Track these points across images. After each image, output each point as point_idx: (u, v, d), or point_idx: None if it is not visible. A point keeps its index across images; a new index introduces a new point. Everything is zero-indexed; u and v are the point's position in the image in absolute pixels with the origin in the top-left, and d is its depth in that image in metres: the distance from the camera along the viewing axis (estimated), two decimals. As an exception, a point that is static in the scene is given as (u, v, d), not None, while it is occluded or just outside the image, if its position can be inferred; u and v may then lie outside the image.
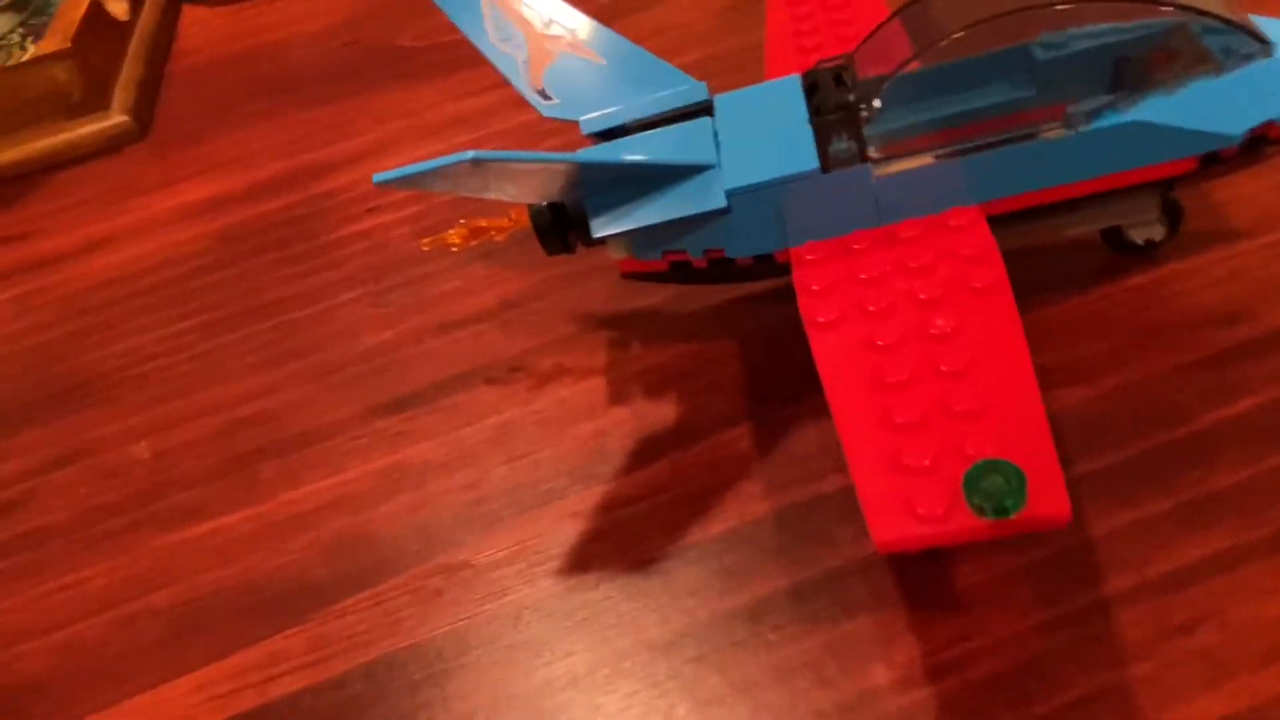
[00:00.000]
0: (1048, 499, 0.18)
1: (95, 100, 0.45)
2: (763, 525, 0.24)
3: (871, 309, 0.22)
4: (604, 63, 0.28)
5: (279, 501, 0.28)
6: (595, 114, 0.27)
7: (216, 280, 0.36)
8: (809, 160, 0.24)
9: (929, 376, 0.20)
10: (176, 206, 0.40)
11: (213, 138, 0.44)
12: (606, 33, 0.29)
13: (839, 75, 0.25)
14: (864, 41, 0.26)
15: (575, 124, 0.27)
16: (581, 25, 0.29)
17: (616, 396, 0.28)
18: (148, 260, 0.38)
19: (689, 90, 0.27)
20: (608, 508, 0.25)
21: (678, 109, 0.27)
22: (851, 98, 0.24)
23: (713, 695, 0.21)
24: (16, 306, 0.37)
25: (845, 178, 0.24)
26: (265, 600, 0.25)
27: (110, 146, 0.45)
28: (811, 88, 0.25)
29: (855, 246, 0.24)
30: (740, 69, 0.37)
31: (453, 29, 0.32)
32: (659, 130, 0.26)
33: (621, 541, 0.24)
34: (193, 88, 0.48)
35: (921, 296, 0.22)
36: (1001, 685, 0.20)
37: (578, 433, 0.27)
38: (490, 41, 0.29)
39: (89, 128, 0.45)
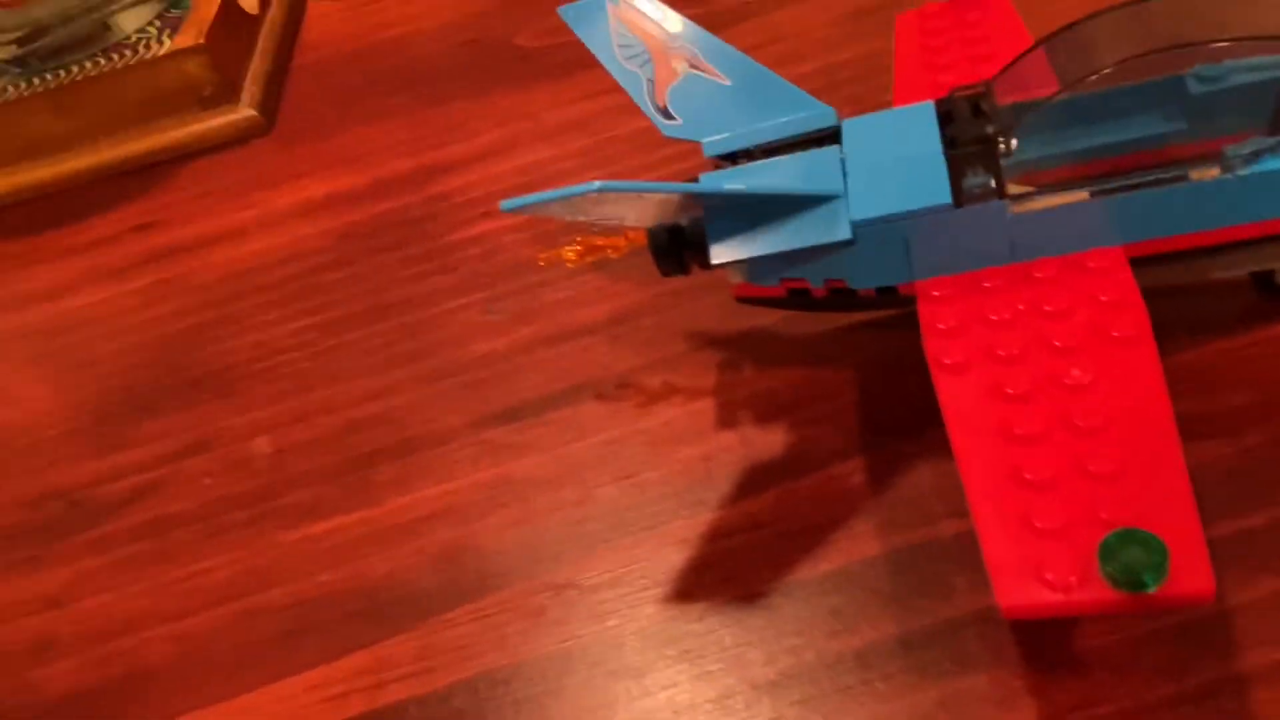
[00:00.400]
0: (1190, 575, 0.17)
1: (225, 94, 0.46)
2: (873, 566, 0.23)
3: (1002, 354, 0.22)
4: (729, 83, 0.28)
5: (390, 507, 0.28)
6: (718, 136, 0.27)
7: (338, 278, 0.37)
8: (941, 194, 0.23)
9: (1063, 431, 0.20)
10: (300, 201, 0.42)
11: (335, 133, 0.45)
12: (732, 52, 0.28)
13: (976, 104, 0.24)
14: (1004, 70, 0.25)
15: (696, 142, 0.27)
16: (707, 44, 0.28)
17: (725, 420, 0.27)
18: (273, 254, 0.39)
19: (816, 115, 0.26)
20: (713, 536, 0.25)
21: (804, 134, 0.26)
22: (990, 129, 0.24)
23: (816, 740, 0.21)
24: (149, 294, 0.39)
25: (979, 213, 0.23)
26: (375, 605, 0.26)
27: (238, 139, 0.46)
28: (946, 116, 0.25)
29: (986, 284, 0.23)
30: (862, 79, 0.37)
31: (571, 31, 0.32)
32: (784, 156, 0.26)
33: (727, 573, 0.24)
34: (316, 82, 0.50)
35: (1056, 344, 0.21)
36: (1123, 758, 0.19)
37: (684, 456, 0.27)
38: (615, 58, 0.29)
39: (218, 120, 0.46)
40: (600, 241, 0.27)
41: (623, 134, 0.40)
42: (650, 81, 0.28)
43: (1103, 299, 0.22)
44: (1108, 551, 0.17)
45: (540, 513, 0.27)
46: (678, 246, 0.26)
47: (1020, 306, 0.23)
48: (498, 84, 0.45)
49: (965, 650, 0.21)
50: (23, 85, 0.46)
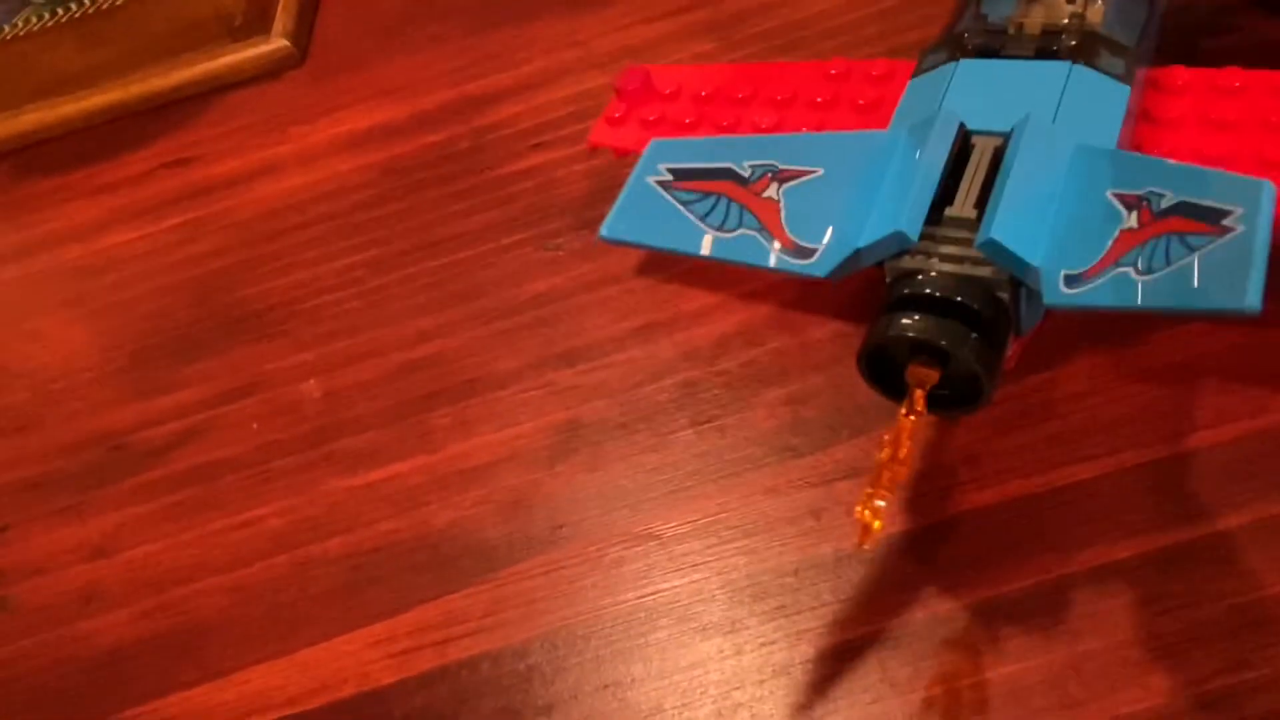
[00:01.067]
0: None
1: (256, 24, 0.44)
2: (983, 514, 0.22)
3: None
4: (822, 171, 0.23)
5: (451, 452, 0.27)
6: (876, 228, 0.21)
7: (382, 214, 0.35)
8: None
9: None
10: (339, 135, 0.39)
11: (372, 64, 0.43)
12: (794, 139, 0.24)
13: None
14: None
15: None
16: (771, 146, 0.24)
17: (810, 361, 0.26)
18: (313, 190, 0.37)
19: (940, 125, 0.22)
20: (804, 484, 0.23)
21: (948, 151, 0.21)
22: None
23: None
24: (184, 233, 0.37)
25: None
26: (440, 557, 0.25)
27: (271, 71, 0.44)
28: None
29: None
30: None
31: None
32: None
33: (821, 524, 0.23)
34: (350, 12, 0.47)
35: None
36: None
37: (768, 399, 0.25)
38: (703, 235, 0.23)
39: (250, 52, 0.44)
40: (886, 478, 0.19)
41: (682, 58, 0.37)
42: (763, 230, 0.22)
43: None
44: None
45: (613, 459, 0.25)
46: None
47: None
48: (543, 11, 0.42)
49: (1081, 611, 0.20)
50: (46, 16, 0.44)
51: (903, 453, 0.19)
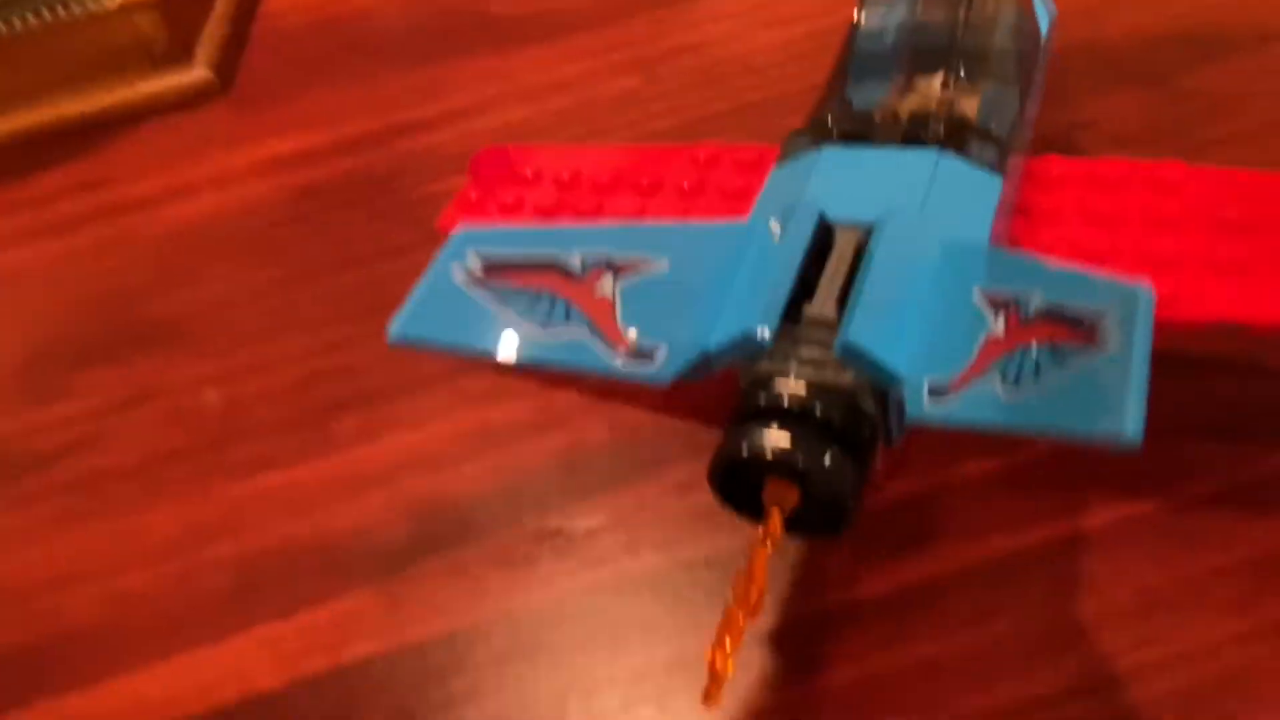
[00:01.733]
0: None
1: (178, 54, 0.44)
2: (890, 504, 0.21)
3: None
4: (667, 264, 0.20)
5: (354, 456, 0.26)
6: (730, 326, 0.19)
7: (297, 232, 0.34)
8: None
9: None
10: (258, 160, 0.39)
11: (296, 97, 0.43)
12: (635, 227, 0.22)
13: None
14: None
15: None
16: (611, 235, 0.21)
17: (726, 365, 0.25)
18: (227, 210, 0.36)
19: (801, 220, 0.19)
20: (718, 480, 0.23)
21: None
22: None
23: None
24: (91, 250, 0.36)
25: None
26: (338, 559, 0.23)
27: (191, 101, 0.43)
28: None
29: None
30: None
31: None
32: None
33: (732, 520, 0.22)
34: (276, 49, 0.47)
35: None
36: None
37: (685, 398, 0.25)
38: (529, 335, 0.20)
39: (171, 80, 0.43)
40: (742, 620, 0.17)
41: (604, 96, 0.38)
42: (594, 329, 0.20)
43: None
44: None
45: (524, 458, 0.25)
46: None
47: None
48: (471, 49, 0.43)
49: (992, 595, 0.19)
50: (-41, 38, 0.43)
51: (755, 593, 0.17)
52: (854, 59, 0.23)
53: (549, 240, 0.21)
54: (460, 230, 0.21)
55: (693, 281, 0.20)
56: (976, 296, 0.18)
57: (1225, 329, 0.19)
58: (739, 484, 0.18)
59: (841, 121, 0.21)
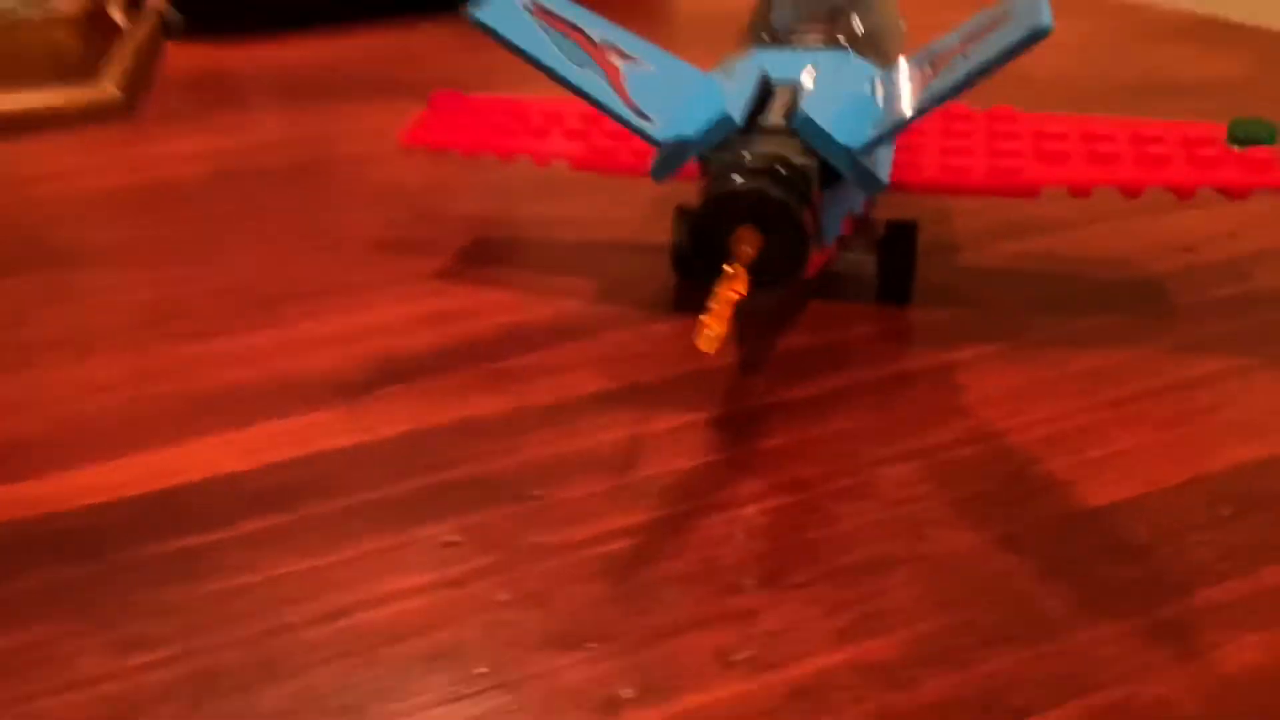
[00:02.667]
0: None
1: (88, 71, 0.46)
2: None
3: None
4: (655, 69, 0.25)
5: (302, 330, 0.27)
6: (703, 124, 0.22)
7: (215, 195, 0.36)
8: None
9: None
10: (167, 153, 0.41)
11: (204, 117, 0.45)
12: (634, 37, 0.26)
13: None
14: None
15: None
16: (616, 32, 0.25)
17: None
18: (141, 183, 0.38)
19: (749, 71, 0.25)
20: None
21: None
22: None
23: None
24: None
25: None
26: (297, 390, 0.24)
27: (98, 115, 0.45)
28: None
29: None
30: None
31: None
32: None
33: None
34: (182, 88, 0.50)
35: None
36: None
37: (614, 288, 0.28)
38: (560, 58, 0.23)
39: (78, 94, 0.45)
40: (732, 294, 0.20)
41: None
42: (609, 82, 0.23)
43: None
44: None
45: (473, 330, 0.27)
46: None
47: None
48: (391, 94, 0.47)
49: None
50: None
51: (723, 305, 0.20)
52: (773, 9, 0.29)
53: (575, 13, 0.24)
54: None
55: (672, 89, 0.24)
56: (902, 80, 0.23)
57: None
58: (705, 251, 0.22)
59: (768, 37, 0.27)
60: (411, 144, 0.30)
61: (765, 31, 0.27)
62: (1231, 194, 0.25)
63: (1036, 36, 0.19)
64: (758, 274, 0.21)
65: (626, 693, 0.16)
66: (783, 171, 0.21)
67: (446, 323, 0.27)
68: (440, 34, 0.56)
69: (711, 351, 0.19)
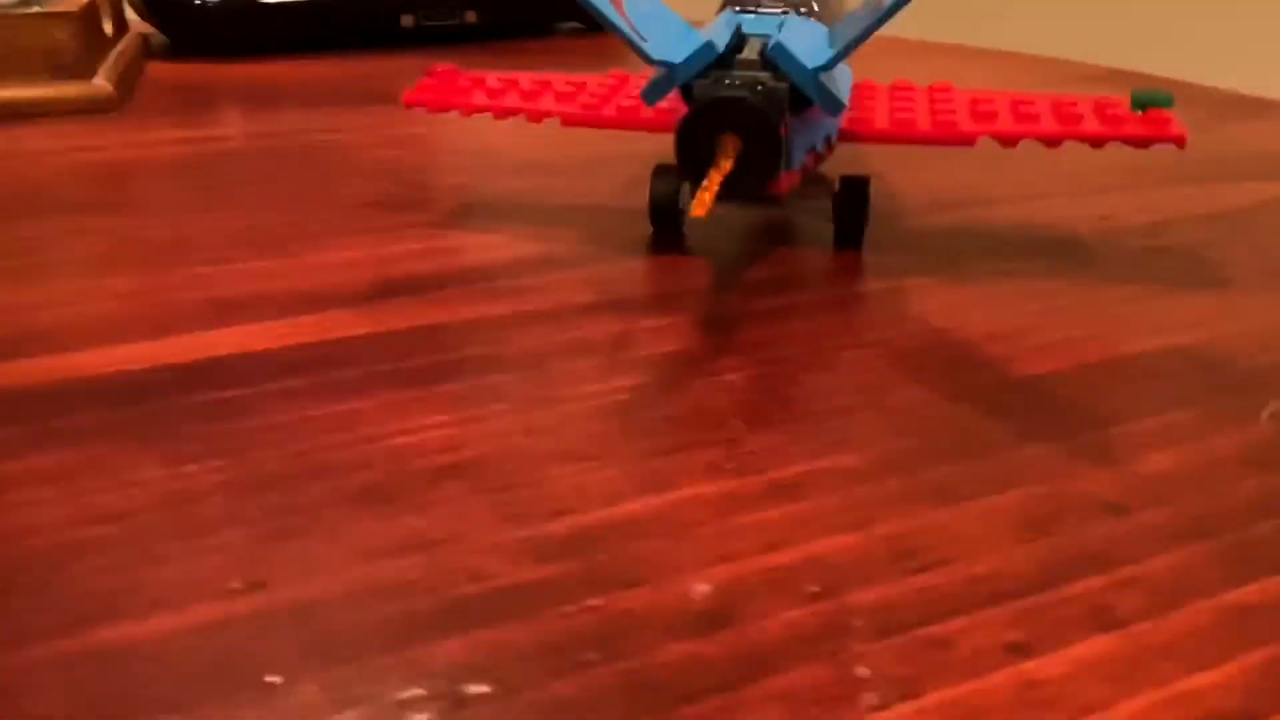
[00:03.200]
0: None
1: (82, 68, 0.48)
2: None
3: None
4: (648, 8, 0.27)
5: (313, 261, 0.29)
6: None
7: (215, 168, 0.39)
8: None
9: None
10: (165, 137, 0.43)
11: (199, 114, 0.48)
12: None
13: None
14: None
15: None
16: None
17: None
18: (138, 159, 0.40)
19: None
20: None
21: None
22: None
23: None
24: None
25: None
26: (314, 299, 0.27)
27: (92, 108, 0.47)
28: None
29: None
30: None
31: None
32: None
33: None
34: (172, 89, 0.52)
35: None
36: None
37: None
38: None
39: (73, 88, 0.47)
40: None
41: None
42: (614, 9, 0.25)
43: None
44: None
45: (488, 255, 0.30)
46: None
47: None
48: (371, 101, 0.50)
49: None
50: None
51: (711, 182, 0.23)
52: None
53: None
54: None
55: (664, 26, 0.27)
56: (853, 23, 0.27)
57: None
58: (691, 157, 0.25)
59: (737, 6, 0.31)
60: (412, 104, 0.33)
61: (734, 3, 0.31)
62: (1135, 144, 0.29)
63: None
64: (736, 177, 0.24)
65: (627, 490, 0.19)
66: (760, 88, 0.25)
67: (444, 255, 0.30)
68: (411, 63, 0.59)
69: (703, 215, 0.21)
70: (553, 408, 0.21)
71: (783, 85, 0.25)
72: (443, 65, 0.35)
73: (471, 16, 0.65)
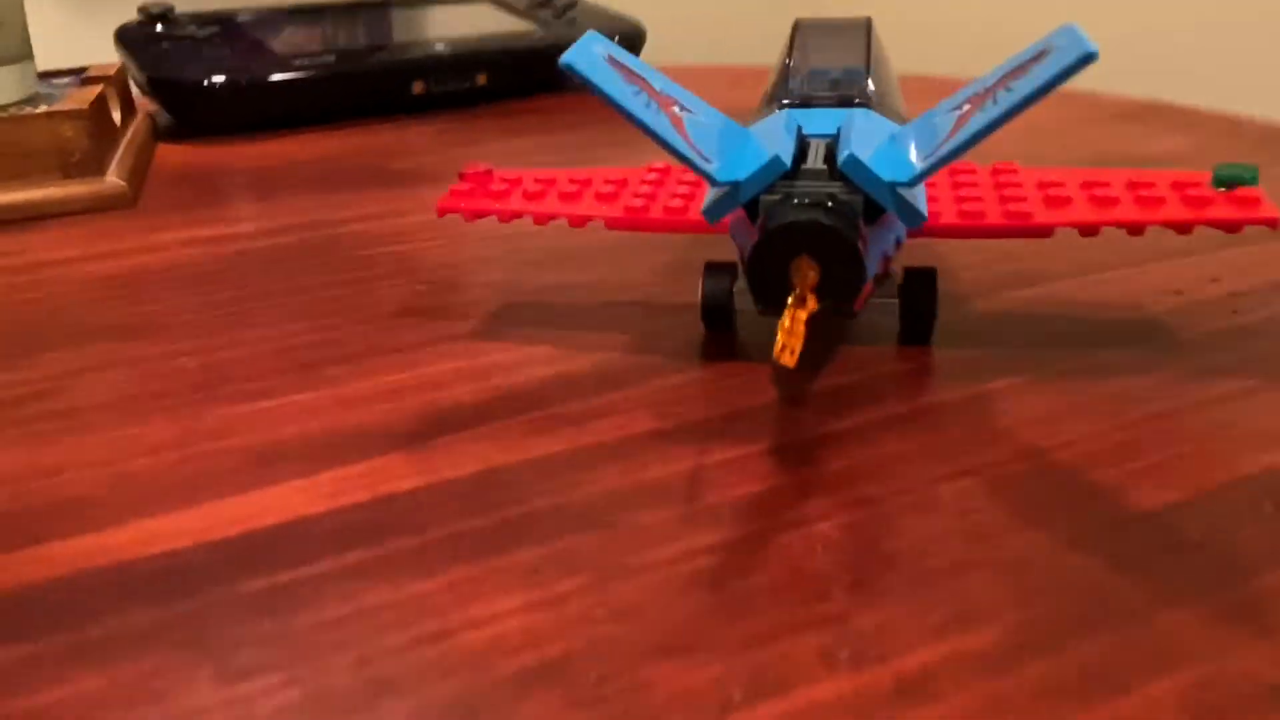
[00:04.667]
0: None
1: (92, 165, 0.46)
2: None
3: None
4: (703, 120, 0.26)
5: (349, 389, 0.28)
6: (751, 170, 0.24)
7: (237, 275, 0.37)
8: None
9: None
10: (184, 238, 0.41)
11: (210, 206, 0.46)
12: (689, 94, 0.26)
13: None
14: None
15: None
16: (673, 88, 0.26)
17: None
18: (157, 264, 0.38)
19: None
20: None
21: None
22: None
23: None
24: (9, 290, 0.36)
25: None
26: (361, 438, 0.25)
27: (104, 206, 0.46)
28: None
29: None
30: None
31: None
32: None
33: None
34: (181, 189, 0.51)
35: None
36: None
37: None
38: (638, 104, 0.24)
39: (84, 186, 0.46)
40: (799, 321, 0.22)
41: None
42: (672, 126, 0.24)
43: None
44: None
45: (519, 380, 0.28)
46: None
47: None
48: (373, 187, 0.48)
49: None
50: None
51: (796, 324, 0.21)
52: (789, 79, 0.31)
53: (640, 67, 0.25)
54: (587, 35, 0.24)
55: (725, 140, 0.25)
56: (939, 119, 0.24)
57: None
58: (764, 286, 0.23)
59: (791, 98, 0.29)
60: (447, 211, 0.31)
61: (785, 97, 0.29)
62: (1226, 228, 0.27)
63: (1085, 61, 0.20)
64: (817, 305, 0.22)
65: (737, 694, 0.17)
66: (833, 205, 0.23)
67: (489, 376, 0.28)
68: (423, 131, 0.58)
69: (791, 365, 0.20)
70: (634, 579, 0.19)
71: (857, 198, 0.24)
72: (475, 166, 0.33)
73: (483, 79, 0.64)
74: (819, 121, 0.27)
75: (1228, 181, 0.28)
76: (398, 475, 0.23)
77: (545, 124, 0.59)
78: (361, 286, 0.35)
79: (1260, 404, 0.25)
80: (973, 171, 0.31)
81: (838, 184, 0.24)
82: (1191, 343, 0.29)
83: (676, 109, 0.25)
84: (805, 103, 0.29)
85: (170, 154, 0.56)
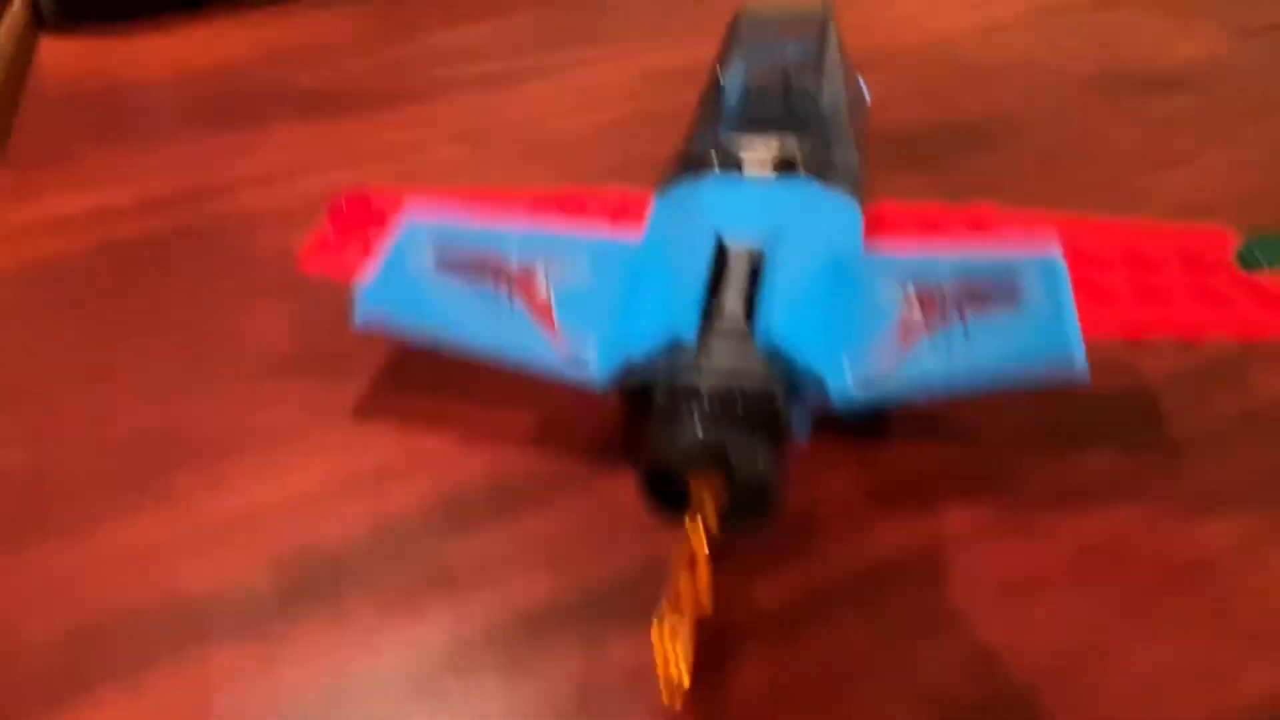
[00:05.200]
0: None
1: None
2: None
3: None
4: (586, 274, 0.21)
5: (200, 511, 0.24)
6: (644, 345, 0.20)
7: (99, 280, 0.32)
8: None
9: None
10: (46, 219, 0.36)
11: (81, 157, 0.40)
12: (558, 237, 0.22)
13: None
14: None
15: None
16: (536, 244, 0.21)
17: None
18: (8, 271, 0.33)
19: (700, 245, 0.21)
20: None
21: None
22: None
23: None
24: None
25: None
26: (193, 618, 0.21)
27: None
28: None
29: None
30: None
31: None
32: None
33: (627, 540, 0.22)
34: (57, 116, 0.44)
35: None
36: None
37: (557, 441, 0.25)
38: (489, 326, 0.20)
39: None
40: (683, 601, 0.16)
41: (431, 161, 0.38)
42: (538, 330, 0.20)
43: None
44: None
45: (395, 504, 0.24)
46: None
47: None
48: (280, 117, 0.42)
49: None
50: None
51: (702, 573, 0.17)
52: (722, 109, 0.25)
53: (487, 239, 0.21)
54: (408, 219, 0.21)
55: (612, 291, 0.20)
56: (881, 292, 0.19)
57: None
58: (663, 486, 0.18)
59: (720, 157, 0.23)
60: (313, 273, 0.26)
61: (714, 146, 0.23)
62: (1243, 339, 0.22)
63: (1070, 382, 0.16)
64: (723, 521, 0.18)
65: None
66: (741, 407, 0.18)
67: (372, 494, 0.24)
68: (343, 20, 0.50)
69: (677, 707, 0.15)
70: None
71: (778, 384, 0.18)
72: (350, 193, 0.27)
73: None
74: (746, 209, 0.22)
75: (1254, 264, 0.23)
76: (235, 679, 0.20)
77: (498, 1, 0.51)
78: (238, 314, 0.30)
79: (1265, 567, 0.21)
80: (947, 222, 0.25)
81: (755, 360, 0.19)
82: (1191, 456, 0.24)
83: (541, 279, 0.19)
84: (731, 160, 0.23)
85: (54, 52, 0.48)
